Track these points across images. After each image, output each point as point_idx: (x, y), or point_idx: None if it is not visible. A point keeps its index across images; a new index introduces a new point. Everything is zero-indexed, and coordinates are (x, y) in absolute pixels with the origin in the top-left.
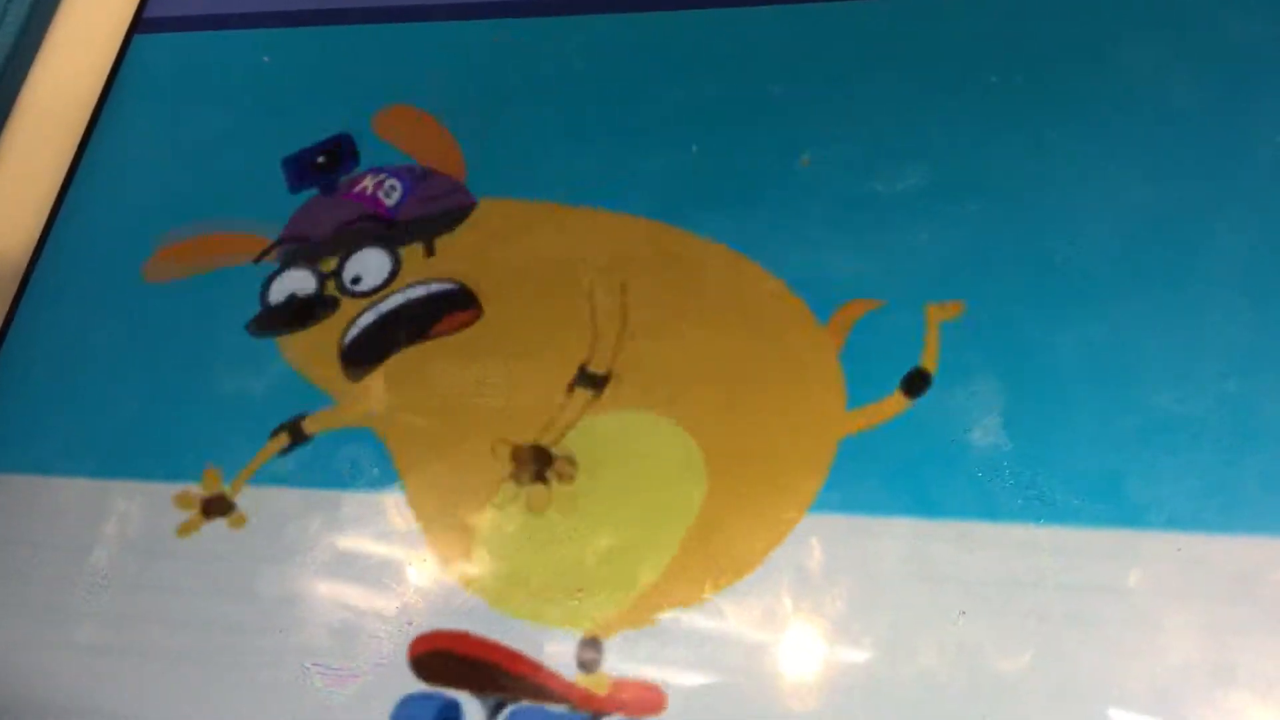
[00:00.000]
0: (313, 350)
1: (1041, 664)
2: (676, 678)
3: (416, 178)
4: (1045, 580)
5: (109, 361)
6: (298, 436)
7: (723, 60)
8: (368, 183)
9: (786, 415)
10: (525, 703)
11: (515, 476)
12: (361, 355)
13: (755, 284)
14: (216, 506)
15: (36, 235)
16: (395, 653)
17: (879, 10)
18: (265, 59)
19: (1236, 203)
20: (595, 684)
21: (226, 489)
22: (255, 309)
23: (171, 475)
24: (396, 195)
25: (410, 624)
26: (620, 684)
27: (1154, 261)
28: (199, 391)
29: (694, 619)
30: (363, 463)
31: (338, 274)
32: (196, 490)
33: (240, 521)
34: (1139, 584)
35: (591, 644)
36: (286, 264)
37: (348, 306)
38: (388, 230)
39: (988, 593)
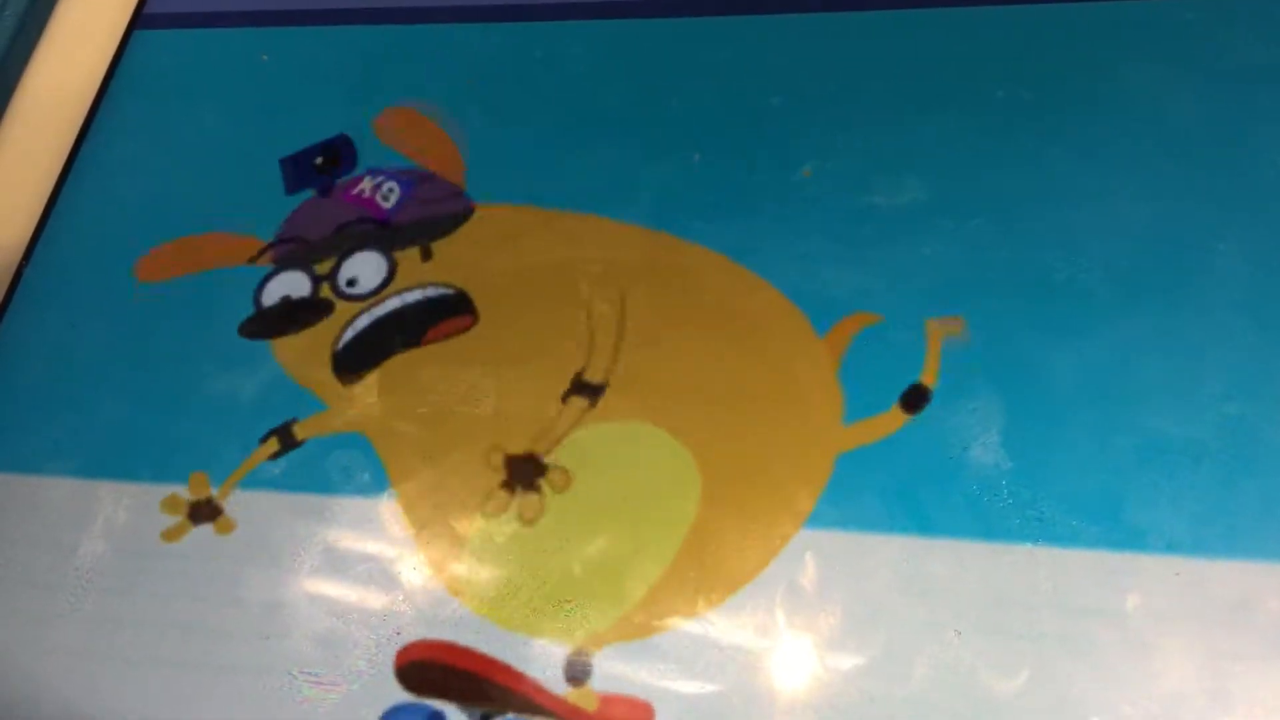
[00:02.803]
0: (305, 354)
1: (1036, 687)
2: (666, 693)
3: (415, 181)
4: (1041, 602)
5: (99, 361)
6: (288, 442)
7: (724, 70)
8: (365, 185)
9: (783, 429)
10: (511, 715)
11: (508, 485)
12: (354, 360)
13: (753, 294)
14: (203, 511)
15: (29, 233)
16: (382, 661)
17: (882, 22)
18: (264, 57)
19: (1238, 223)
20: (583, 699)
21: (214, 494)
22: (248, 311)
23: (160, 477)
24: (394, 198)
25: (398, 633)
26: (609, 699)
27: (1155, 281)
28: (188, 394)
29: (685, 633)
30: (353, 469)
31: (333, 277)
32: (184, 494)
33: (228, 527)
34: (1136, 608)
35: (580, 657)
36: (281, 266)
37: (342, 310)
38: (384, 233)
39: (983, 613)
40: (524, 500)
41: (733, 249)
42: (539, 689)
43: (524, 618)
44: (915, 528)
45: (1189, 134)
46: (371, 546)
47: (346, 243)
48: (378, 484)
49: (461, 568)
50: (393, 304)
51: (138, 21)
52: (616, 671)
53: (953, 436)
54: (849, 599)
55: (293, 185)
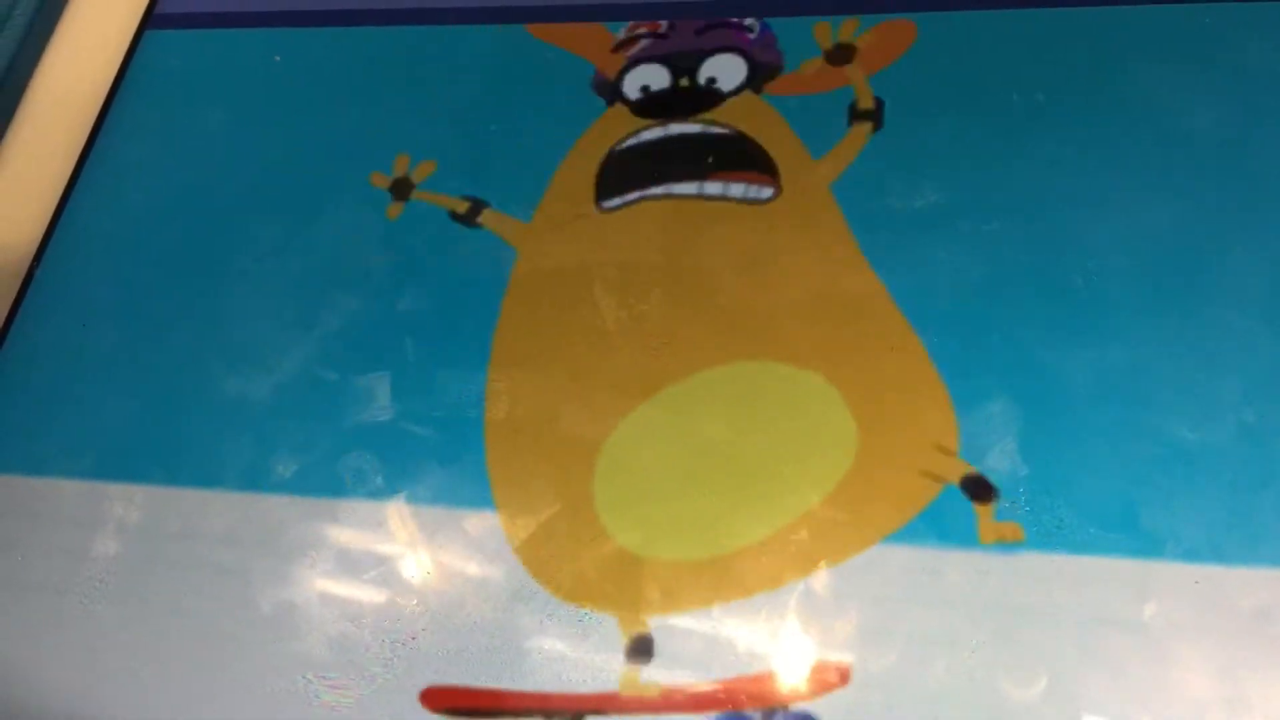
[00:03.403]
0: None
1: (1053, 695)
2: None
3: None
4: (1058, 610)
5: (109, 362)
6: (471, 214)
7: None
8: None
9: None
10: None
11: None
12: (623, 176)
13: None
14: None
15: (41, 232)
16: (396, 666)
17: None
18: (276, 58)
19: (1256, 229)
20: (644, 689)
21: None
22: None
23: (170, 479)
24: (756, 32)
25: (414, 638)
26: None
27: (1173, 287)
28: (199, 394)
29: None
30: (365, 471)
31: (694, 71)
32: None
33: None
34: (1154, 616)
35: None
36: (639, 60)
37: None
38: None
39: (1000, 621)
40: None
41: (746, 254)
42: (566, 697)
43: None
44: (931, 536)
45: (1206, 139)
46: (384, 549)
47: (709, 44)
48: (389, 486)
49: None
50: (692, 127)
51: (149, 22)
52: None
53: (969, 443)
54: (864, 607)
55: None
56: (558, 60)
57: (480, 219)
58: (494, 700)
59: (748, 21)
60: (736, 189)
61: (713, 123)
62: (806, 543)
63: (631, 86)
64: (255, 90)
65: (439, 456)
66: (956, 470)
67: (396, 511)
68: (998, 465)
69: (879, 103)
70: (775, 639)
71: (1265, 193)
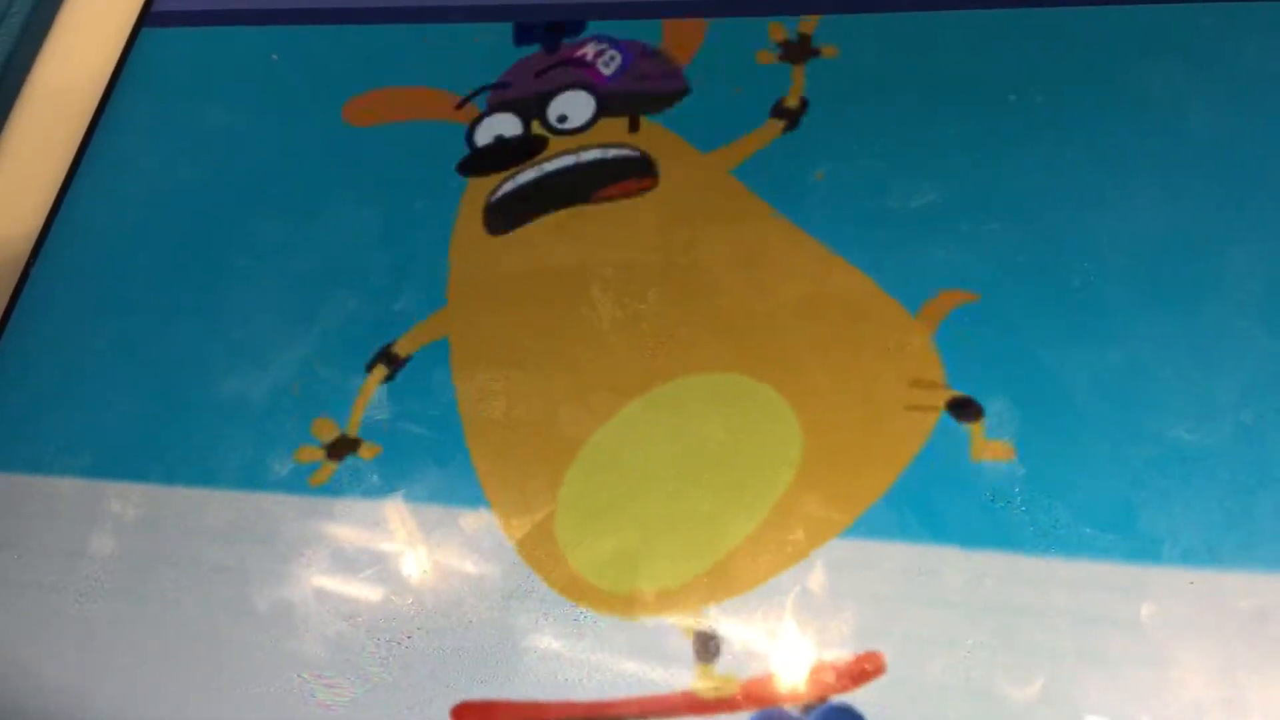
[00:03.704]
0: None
1: (1050, 697)
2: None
3: (638, 54)
4: (1055, 612)
5: (107, 360)
6: (394, 362)
7: (737, 73)
8: (590, 49)
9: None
10: None
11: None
12: (506, 214)
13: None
14: (342, 446)
15: (38, 230)
16: (393, 665)
17: (896, 25)
18: (274, 56)
19: (1255, 229)
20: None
21: (344, 431)
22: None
23: (168, 477)
24: (614, 66)
25: (409, 637)
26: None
27: (1172, 287)
28: (199, 393)
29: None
30: (361, 470)
31: (543, 113)
32: (311, 449)
33: (373, 451)
34: (1151, 618)
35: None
36: (493, 109)
37: (554, 145)
38: (599, 94)
39: (996, 623)
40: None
41: (744, 253)
42: (606, 704)
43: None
44: (927, 536)
45: (1205, 139)
46: (381, 547)
47: (557, 84)
48: (386, 485)
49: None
50: (565, 161)
51: (146, 19)
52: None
53: (966, 443)
54: (860, 607)
55: (521, 38)
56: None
57: (399, 351)
58: (536, 713)
59: (605, 56)
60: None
61: (581, 148)
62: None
63: (484, 137)
64: (252, 88)
65: (435, 455)
66: (941, 397)
67: (393, 510)
68: (994, 466)
69: (803, 103)
70: (775, 637)
71: (1263, 194)
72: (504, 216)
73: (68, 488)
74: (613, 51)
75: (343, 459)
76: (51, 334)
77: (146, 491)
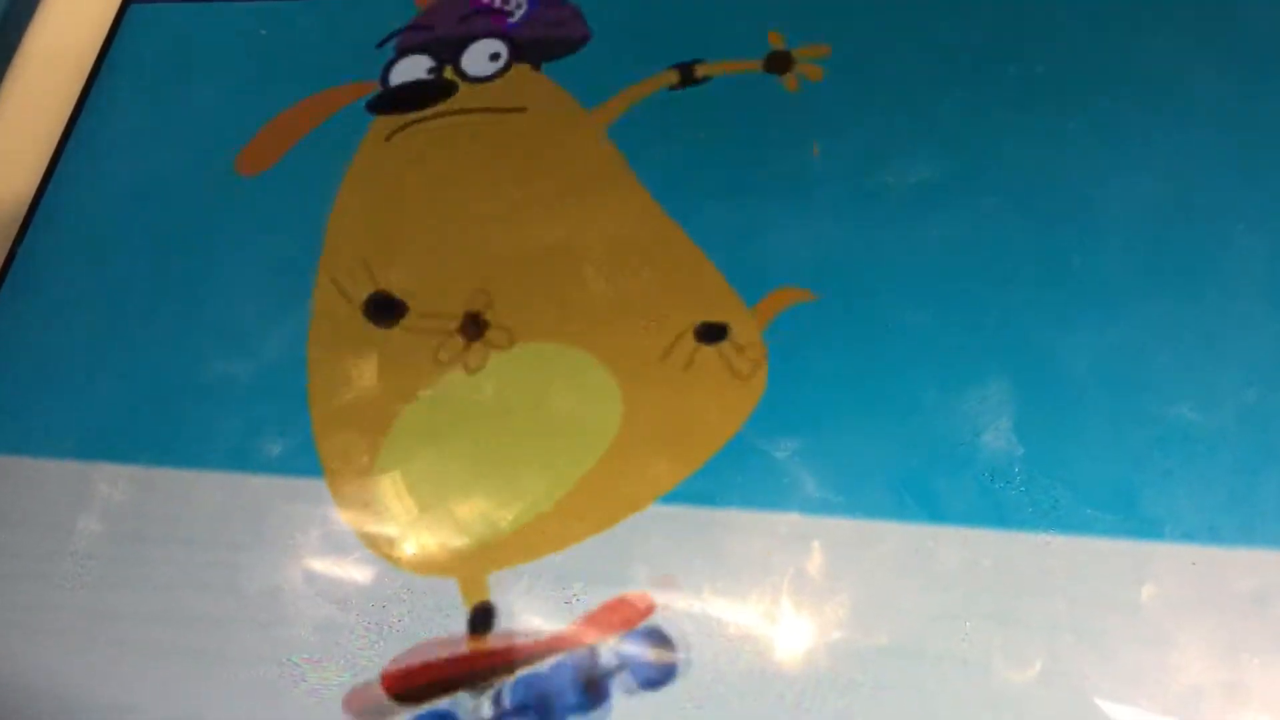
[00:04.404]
0: None
1: (1049, 678)
2: (672, 684)
3: (545, 2)
4: (1054, 592)
5: (95, 341)
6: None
7: (735, 46)
8: None
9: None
10: (515, 676)
11: (462, 331)
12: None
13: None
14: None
15: (24, 211)
16: (382, 649)
17: None
18: (262, 31)
19: (1259, 206)
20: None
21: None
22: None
23: (156, 459)
24: (520, 14)
25: (400, 620)
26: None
27: (1173, 265)
28: (187, 373)
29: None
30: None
31: (456, 60)
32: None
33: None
34: (1152, 598)
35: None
36: (406, 51)
37: (464, 91)
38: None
39: (995, 603)
40: (469, 351)
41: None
42: (516, 647)
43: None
44: (926, 515)
45: (1208, 111)
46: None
47: (470, 31)
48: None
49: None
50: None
51: None
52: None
53: (964, 423)
54: (858, 587)
55: None
56: None
57: None
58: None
59: (511, 3)
60: None
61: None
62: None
63: (397, 78)
64: (240, 65)
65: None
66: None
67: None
68: (993, 444)
69: (702, 79)
70: (771, 621)
71: (1268, 170)
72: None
73: (55, 469)
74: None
75: None
76: (39, 315)
77: (134, 473)
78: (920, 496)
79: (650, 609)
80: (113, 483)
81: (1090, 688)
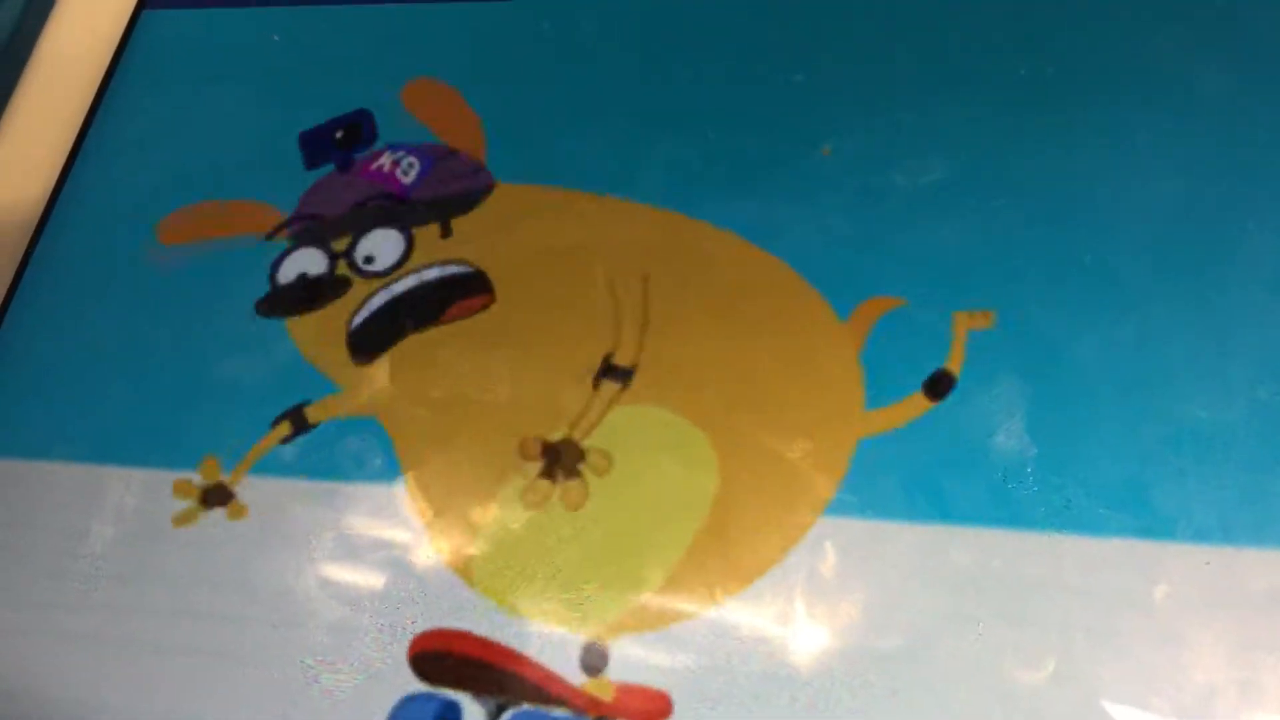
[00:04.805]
0: (320, 333)
1: (1062, 678)
2: (682, 684)
3: (436, 157)
4: (1067, 591)
5: (108, 344)
6: (300, 425)
7: (745, 46)
8: (385, 160)
9: (803, 414)
10: (526, 706)
11: (548, 474)
12: (369, 340)
13: (771, 276)
14: (215, 496)
15: (39, 214)
16: (395, 650)
17: None
18: (275, 37)
19: (1271, 201)
20: (599, 689)
21: (226, 478)
22: (264, 289)
23: (168, 463)
24: (414, 173)
25: (413, 622)
26: (626, 689)
27: (1185, 263)
28: (199, 377)
29: (702, 623)
30: (366, 454)
31: (350, 254)
32: (196, 479)
33: (240, 512)
34: (1165, 598)
35: (596, 646)
36: (298, 243)
37: (359, 287)
38: (403, 209)
39: (1008, 603)
40: (566, 487)
41: (750, 229)
42: (554, 679)
43: (537, 605)
44: (938, 515)
45: (1219, 110)
46: (385, 533)
47: (364, 219)
48: (391, 470)
49: (475, 555)
50: (409, 282)
51: (146, 2)
52: (634, 660)
53: (977, 422)
54: (870, 588)
55: (312, 160)
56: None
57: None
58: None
59: (403, 165)
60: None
61: (423, 266)
62: None
63: (287, 273)
64: (254, 70)
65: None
66: None
67: (398, 494)
68: (1005, 444)
69: None
70: (785, 623)
71: (1277, 169)
72: (366, 342)
73: (67, 473)
74: (410, 159)
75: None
76: (52, 317)
77: (147, 476)
78: (932, 497)
79: (668, 709)
80: (126, 486)
81: (1103, 688)
